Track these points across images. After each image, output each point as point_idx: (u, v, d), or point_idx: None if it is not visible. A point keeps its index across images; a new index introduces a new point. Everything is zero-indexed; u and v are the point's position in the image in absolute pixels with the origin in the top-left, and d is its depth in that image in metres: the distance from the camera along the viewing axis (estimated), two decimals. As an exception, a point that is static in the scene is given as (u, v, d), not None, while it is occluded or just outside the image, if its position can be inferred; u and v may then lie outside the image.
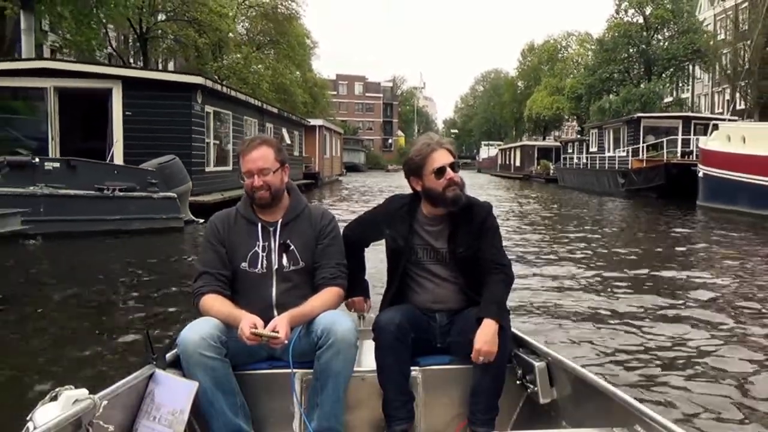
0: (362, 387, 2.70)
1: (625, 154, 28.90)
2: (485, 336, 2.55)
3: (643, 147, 27.55)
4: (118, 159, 13.76)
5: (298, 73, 48.38)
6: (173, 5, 32.98)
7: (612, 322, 5.90)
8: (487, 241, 2.80)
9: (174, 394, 2.38)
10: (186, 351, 2.43)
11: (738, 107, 41.54)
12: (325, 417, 2.52)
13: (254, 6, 42.81)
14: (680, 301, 6.76)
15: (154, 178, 11.65)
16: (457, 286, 2.85)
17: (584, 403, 2.51)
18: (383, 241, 2.95)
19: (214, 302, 2.61)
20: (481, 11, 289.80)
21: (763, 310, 6.42)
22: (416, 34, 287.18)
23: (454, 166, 2.76)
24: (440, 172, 2.73)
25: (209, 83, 15.82)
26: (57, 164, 11.03)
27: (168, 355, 2.54)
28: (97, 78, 14.21)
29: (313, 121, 35.39)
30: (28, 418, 1.99)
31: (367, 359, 2.75)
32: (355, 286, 3.02)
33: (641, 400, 2.49)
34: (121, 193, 11.17)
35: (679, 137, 26.98)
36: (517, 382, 2.79)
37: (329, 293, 2.71)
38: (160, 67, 39.62)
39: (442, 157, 2.75)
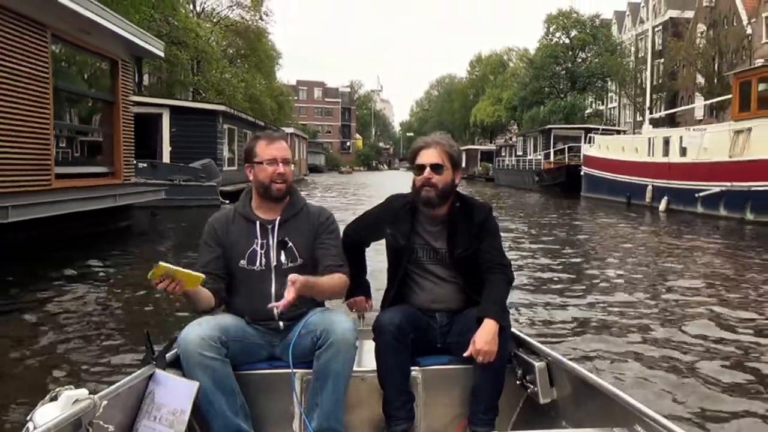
0: (362, 387, 2.69)
1: (540, 157, 35.32)
2: (485, 336, 2.52)
3: (552, 152, 34.12)
4: (166, 160, 20.00)
5: (264, 82, 53.09)
6: (166, 30, 38.48)
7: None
8: (487, 242, 2.80)
9: (174, 394, 2.38)
10: (186, 351, 2.42)
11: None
12: (324, 417, 2.50)
13: (228, 25, 48.12)
14: (574, 250, 10.95)
15: (202, 173, 17.94)
16: (456, 287, 2.84)
17: (584, 403, 2.50)
18: (383, 243, 2.95)
19: (211, 301, 2.64)
20: (440, 14, 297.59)
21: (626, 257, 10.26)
22: (375, 35, 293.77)
23: (436, 167, 2.73)
24: (420, 169, 2.76)
25: (228, 109, 22.50)
26: (145, 164, 17.16)
27: (168, 355, 2.52)
28: (152, 106, 20.55)
29: (286, 130, 41.92)
30: (28, 418, 1.97)
31: (367, 359, 2.73)
32: (356, 287, 3.04)
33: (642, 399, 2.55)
34: (184, 183, 17.39)
35: (583, 144, 33.05)
36: (517, 382, 2.77)
37: (338, 278, 2.72)
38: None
39: (425, 156, 2.77)
